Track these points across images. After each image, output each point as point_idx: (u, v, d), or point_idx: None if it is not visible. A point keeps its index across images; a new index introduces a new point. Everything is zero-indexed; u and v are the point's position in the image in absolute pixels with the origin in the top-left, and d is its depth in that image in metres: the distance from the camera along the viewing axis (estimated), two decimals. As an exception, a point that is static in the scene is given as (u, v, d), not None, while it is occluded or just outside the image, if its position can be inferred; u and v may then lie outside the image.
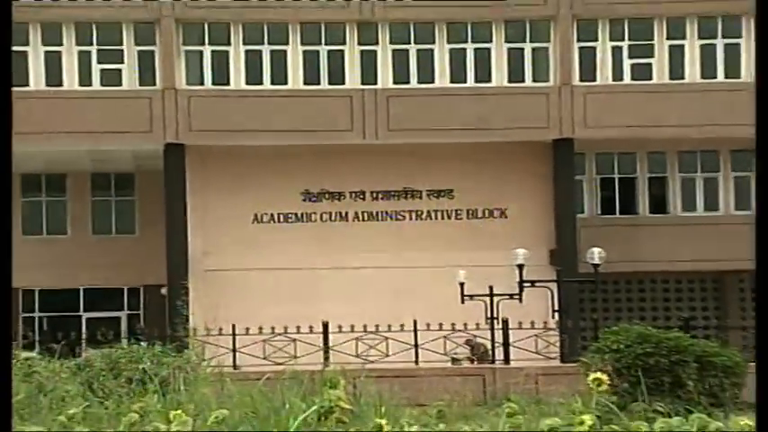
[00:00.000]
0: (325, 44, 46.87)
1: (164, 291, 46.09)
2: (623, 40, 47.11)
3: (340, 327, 42.04)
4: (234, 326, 41.92)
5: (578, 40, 46.87)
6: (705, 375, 30.89)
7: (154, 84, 46.28)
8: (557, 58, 46.69)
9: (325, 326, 42.06)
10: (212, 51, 46.70)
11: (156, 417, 13.77)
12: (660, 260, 47.46)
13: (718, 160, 48.71)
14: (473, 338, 43.62)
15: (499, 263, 44.47)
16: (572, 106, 46.33)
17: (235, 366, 38.20)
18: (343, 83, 46.69)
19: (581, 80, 46.73)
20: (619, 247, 46.07)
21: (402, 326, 42.26)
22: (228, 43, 46.68)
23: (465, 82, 46.86)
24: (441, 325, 42.81)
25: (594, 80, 46.90)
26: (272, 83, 46.75)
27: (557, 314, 44.55)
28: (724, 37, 47.23)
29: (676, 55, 47.13)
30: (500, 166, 47.05)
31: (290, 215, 47.29)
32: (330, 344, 41.78)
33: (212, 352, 37.66)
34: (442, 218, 47.53)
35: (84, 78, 46.36)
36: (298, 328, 41.91)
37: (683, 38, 47.16)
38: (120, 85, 46.46)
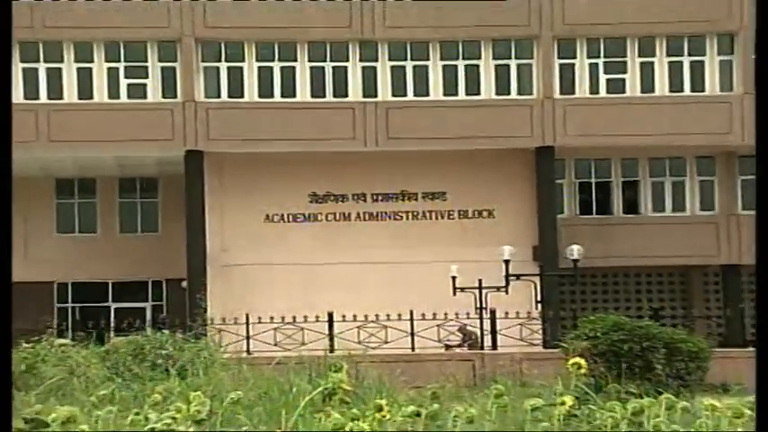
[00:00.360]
0: (330, 61, 46.88)
1: (184, 284, 46.09)
2: (599, 57, 47.13)
3: (343, 316, 42.07)
4: (247, 315, 41.98)
5: (559, 58, 46.88)
6: (673, 360, 30.94)
7: (175, 96, 46.28)
8: (539, 74, 46.70)
9: (330, 315, 42.08)
10: (228, 67, 46.72)
11: (177, 398, 13.80)
12: (633, 256, 47.47)
13: (684, 166, 48.71)
14: (465, 326, 43.69)
15: (487, 258, 44.52)
16: (553, 117, 46.35)
17: (248, 352, 38.24)
18: (347, 96, 46.70)
19: (561, 93, 46.75)
20: (595, 245, 46.12)
21: (399, 315, 42.31)
22: (243, 60, 46.69)
23: (456, 95, 46.88)
24: (434, 315, 42.86)
25: (573, 93, 46.92)
26: (282, 96, 46.76)
27: (539, 305, 44.61)
28: (689, 55, 47.26)
29: (647, 71, 47.15)
30: (488, 171, 47.04)
31: (298, 215, 47.30)
32: (334, 332, 41.85)
33: (228, 339, 37.73)
34: (436, 218, 47.53)
35: (113, 92, 46.37)
36: (305, 317, 41.92)
37: (653, 55, 47.18)
38: (145, 97, 46.48)
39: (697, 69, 47.31)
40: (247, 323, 41.77)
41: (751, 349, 41.80)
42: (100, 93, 46.40)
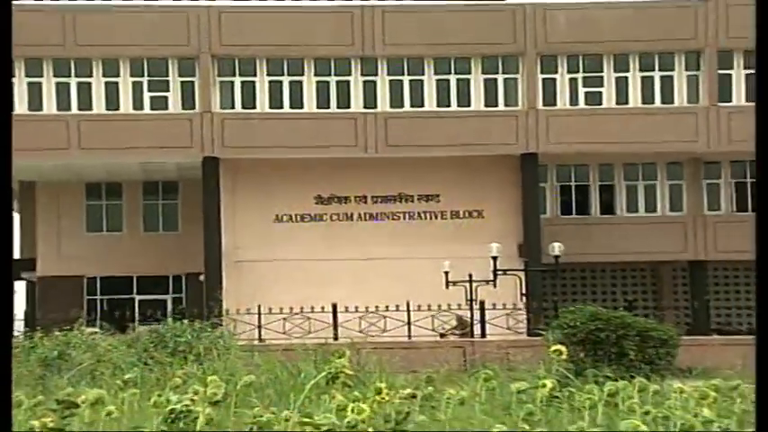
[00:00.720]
0: (335, 75, 46.80)
1: (202, 278, 46.04)
2: (578, 72, 47.07)
3: (346, 307, 42.03)
4: (259, 307, 41.93)
5: (542, 73, 46.81)
6: (645, 347, 30.90)
7: (194, 108, 46.21)
8: (524, 87, 46.64)
9: (334, 306, 42.06)
10: (242, 81, 46.65)
11: (195, 381, 13.77)
12: (609, 253, 47.43)
13: (655, 171, 48.66)
14: (461, 317, 43.69)
15: (477, 255, 44.44)
16: (537, 127, 46.30)
17: (260, 340, 38.24)
18: (349, 107, 46.63)
19: (544, 105, 46.67)
20: (575, 242, 46.04)
21: (397, 307, 42.27)
22: (255, 75, 46.63)
23: (449, 106, 46.80)
24: (429, 306, 42.85)
25: (555, 105, 46.84)
26: (291, 107, 46.67)
27: (524, 297, 44.54)
28: (660, 70, 47.20)
29: (621, 85, 47.10)
30: (477, 176, 46.99)
31: (305, 216, 47.24)
32: (338, 321, 41.87)
33: (241, 328, 37.71)
34: (430, 218, 47.48)
35: (137, 104, 46.29)
36: (311, 308, 41.91)
37: (627, 71, 47.12)
38: (167, 109, 46.39)
39: (667, 83, 47.27)
40: (259, 314, 41.75)
41: (715, 336, 41.87)
42: (125, 105, 46.34)
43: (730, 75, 47.05)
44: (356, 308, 42.17)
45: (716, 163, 48.34)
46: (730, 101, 46.91)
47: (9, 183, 6.43)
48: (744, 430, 8.69)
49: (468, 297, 43.66)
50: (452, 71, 46.83)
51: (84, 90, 46.08)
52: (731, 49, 46.68)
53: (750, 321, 47.60)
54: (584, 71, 46.96)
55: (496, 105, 46.74)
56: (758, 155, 6.63)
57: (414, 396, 11.27)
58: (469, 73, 46.87)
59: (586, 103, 46.85)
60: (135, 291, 49.47)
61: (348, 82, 46.68)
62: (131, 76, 46.23)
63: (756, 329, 6.57)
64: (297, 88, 46.59)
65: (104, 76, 46.17)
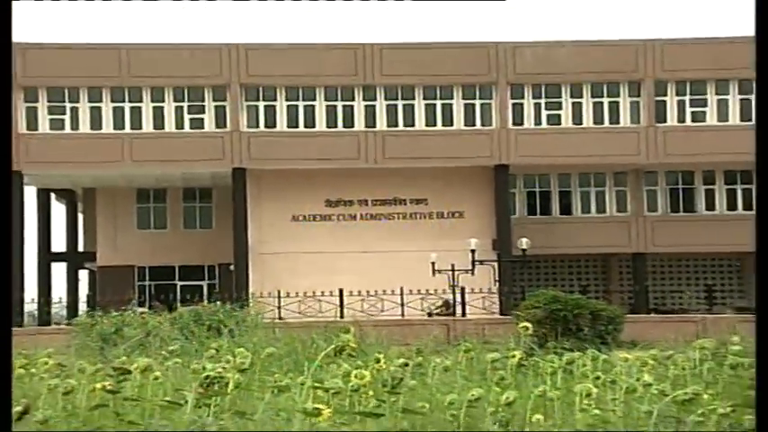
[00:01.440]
0: (341, 101, 46.83)
1: (231, 267, 46.05)
2: (541, 98, 47.10)
3: (350, 291, 42.12)
4: (279, 291, 42.00)
5: (511, 98, 46.83)
6: (596, 323, 30.98)
7: (225, 127, 46.23)
8: (497, 110, 46.68)
9: (340, 291, 42.13)
10: (264, 105, 46.67)
11: (226, 352, 13.76)
12: (567, 246, 47.50)
13: (605, 179, 48.68)
14: (447, 300, 43.77)
15: (458, 248, 44.50)
16: (507, 143, 46.33)
17: (280, 318, 38.27)
18: (353, 126, 46.65)
19: (513, 125, 46.69)
20: (539, 238, 46.12)
21: (392, 291, 42.36)
22: (275, 100, 46.64)
23: (435, 126, 46.82)
24: (419, 290, 42.97)
25: (522, 125, 46.85)
26: (305, 126, 46.69)
27: (497, 283, 44.60)
28: (608, 97, 47.23)
29: (577, 108, 47.14)
30: (459, 183, 47.02)
31: (316, 216, 47.25)
32: (343, 303, 41.91)
33: (264, 309, 37.71)
34: (420, 218, 47.48)
35: (179, 124, 46.31)
36: (321, 292, 41.99)
37: (581, 97, 47.15)
38: (203, 128, 46.42)
39: (613, 107, 47.32)
40: (279, 297, 41.81)
41: (653, 315, 41.87)
42: (169, 125, 46.34)
43: (665, 101, 47.12)
44: (358, 292, 42.24)
45: (653, 173, 48.39)
46: (665, 122, 46.98)
47: (9, 183, 5.75)
48: (678, 392, 8.67)
49: (451, 283, 43.75)
50: (438, 97, 46.87)
51: (136, 113, 46.11)
52: (666, 79, 46.83)
53: (680, 303, 47.71)
54: (545, 97, 47.01)
55: (474, 125, 46.75)
56: (758, 155, 6.01)
57: (406, 364, 11.25)
58: (452, 99, 46.90)
59: (548, 124, 46.87)
60: (177, 278, 49.47)
61: (352, 106, 46.71)
62: (174, 101, 46.25)
63: (756, 329, 5.85)
64: (310, 111, 46.60)
65: (152, 101, 46.19)
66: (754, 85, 6.11)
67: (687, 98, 47.15)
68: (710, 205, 48.51)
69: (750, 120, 46.67)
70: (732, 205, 48.42)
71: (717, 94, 47.18)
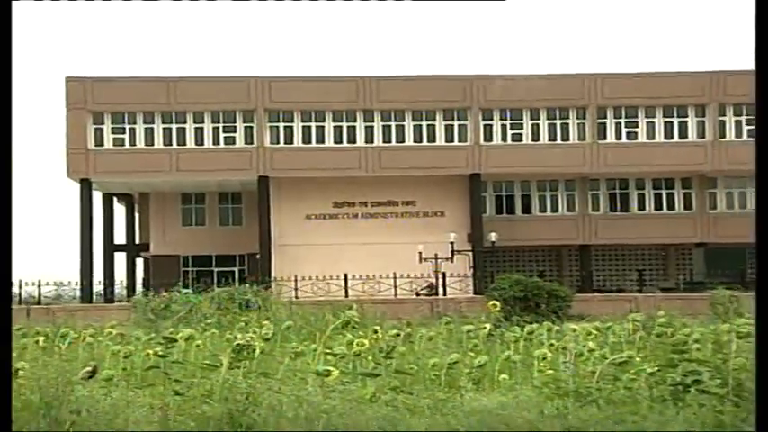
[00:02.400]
0: (346, 122, 46.65)
1: (258, 256, 45.94)
2: (507, 120, 46.90)
3: (353, 276, 42.11)
4: (295, 275, 42.01)
5: (483, 120, 46.64)
6: (551, 301, 30.89)
7: (252, 143, 46.07)
8: (472, 130, 46.47)
9: (345, 275, 42.15)
10: (284, 126, 46.46)
11: (253, 325, 13.75)
12: (527, 240, 47.37)
13: (558, 185, 48.50)
14: (431, 283, 43.74)
15: (440, 241, 44.52)
16: (479, 156, 46.20)
17: (296, 297, 38.20)
18: (355, 143, 46.46)
19: (484, 141, 46.53)
20: (505, 233, 46.14)
21: (387, 275, 42.36)
22: (292, 121, 46.45)
23: (422, 142, 46.63)
24: (408, 275, 42.97)
25: (492, 141, 46.66)
26: (316, 143, 46.49)
27: (472, 269, 44.60)
28: (560, 119, 46.99)
29: (536, 128, 46.95)
30: (441, 188, 46.87)
31: (325, 215, 47.08)
32: (348, 285, 41.89)
33: (284, 290, 37.70)
34: (409, 217, 47.26)
35: (215, 141, 46.18)
36: (330, 276, 41.97)
37: (539, 119, 46.96)
38: (234, 144, 46.24)
39: (564, 128, 47.17)
40: (295, 280, 41.78)
41: (596, 294, 41.74)
42: (208, 141, 46.15)
43: (605, 122, 47.00)
44: (360, 276, 42.21)
45: (596, 180, 48.31)
46: (605, 139, 46.83)
47: (9, 184, 5.00)
48: (615, 355, 8.67)
49: (434, 269, 43.78)
50: (424, 119, 46.71)
51: (181, 132, 45.98)
52: (605, 105, 46.72)
53: (618, 284, 47.63)
54: (510, 119, 46.86)
55: (453, 142, 46.61)
56: (758, 155, 5.34)
57: (398, 334, 11.26)
58: (435, 120, 46.74)
59: (512, 141, 46.73)
60: (213, 264, 49.28)
61: (354, 126, 46.57)
62: (212, 123, 46.11)
63: (756, 329, 5.27)
64: (320, 130, 46.49)
65: (194, 122, 46.06)
66: (755, 84, 5.38)
67: (623, 120, 47.09)
68: (641, 206, 48.47)
69: (672, 138, 46.82)
70: (659, 206, 48.40)
71: (646, 117, 47.14)
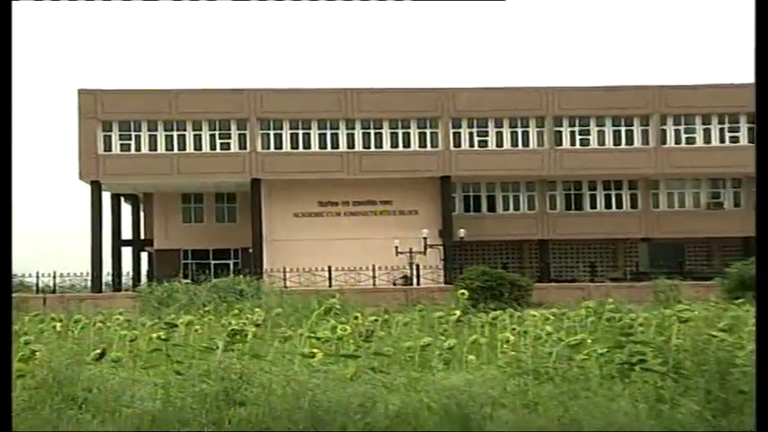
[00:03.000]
0: (329, 129, 46.55)
1: (250, 250, 45.78)
2: (474, 128, 46.89)
3: (336, 268, 42.01)
4: (285, 267, 41.87)
5: (452, 128, 46.66)
6: (513, 290, 31.05)
7: (246, 149, 45.85)
8: (442, 137, 46.51)
9: (329, 267, 42.05)
10: (274, 133, 46.30)
11: (247, 311, 13.71)
12: (492, 235, 47.45)
13: (519, 187, 48.58)
14: (406, 275, 43.77)
15: (414, 236, 44.56)
16: (450, 160, 46.21)
17: (285, 287, 38.07)
18: (338, 148, 46.33)
19: (454, 147, 46.56)
20: (472, 229, 46.23)
21: (367, 267, 42.31)
22: (282, 129, 46.26)
23: (398, 147, 46.61)
24: (386, 267, 42.94)
25: (460, 147, 46.71)
26: (303, 148, 46.32)
27: (443, 261, 44.63)
28: (521, 127, 47.12)
29: (499, 136, 46.94)
30: (416, 189, 46.89)
31: (311, 213, 46.97)
32: (331, 276, 41.84)
33: (274, 280, 37.60)
34: (387, 214, 47.27)
35: (212, 146, 45.92)
36: (315, 268, 41.86)
37: (502, 127, 47.03)
38: (230, 149, 46.00)
39: (525, 135, 47.19)
40: (284, 271, 41.67)
41: (553, 284, 41.94)
42: (206, 146, 45.92)
43: (561, 130, 47.16)
44: (342, 268, 42.16)
45: (553, 182, 48.49)
46: (562, 146, 46.99)
47: (9, 184, 4.55)
48: (570, 338, 8.73)
49: (409, 261, 43.80)
50: (400, 127, 46.67)
51: (181, 139, 45.72)
52: (562, 115, 46.89)
53: (572, 275, 47.86)
54: (477, 128, 46.92)
55: (426, 147, 46.62)
56: (758, 155, 4.71)
57: (376, 320, 11.28)
58: (410, 128, 46.73)
59: (479, 146, 46.78)
60: (211, 258, 49.04)
61: (338, 133, 46.48)
62: (209, 130, 45.87)
63: (756, 329, 4.83)
64: (307, 137, 46.37)
65: (193, 130, 45.83)
66: (754, 84, 4.75)
67: (577, 129, 47.29)
68: (593, 205, 48.70)
69: (620, 145, 47.08)
70: (608, 205, 48.65)
71: (597, 126, 47.37)
